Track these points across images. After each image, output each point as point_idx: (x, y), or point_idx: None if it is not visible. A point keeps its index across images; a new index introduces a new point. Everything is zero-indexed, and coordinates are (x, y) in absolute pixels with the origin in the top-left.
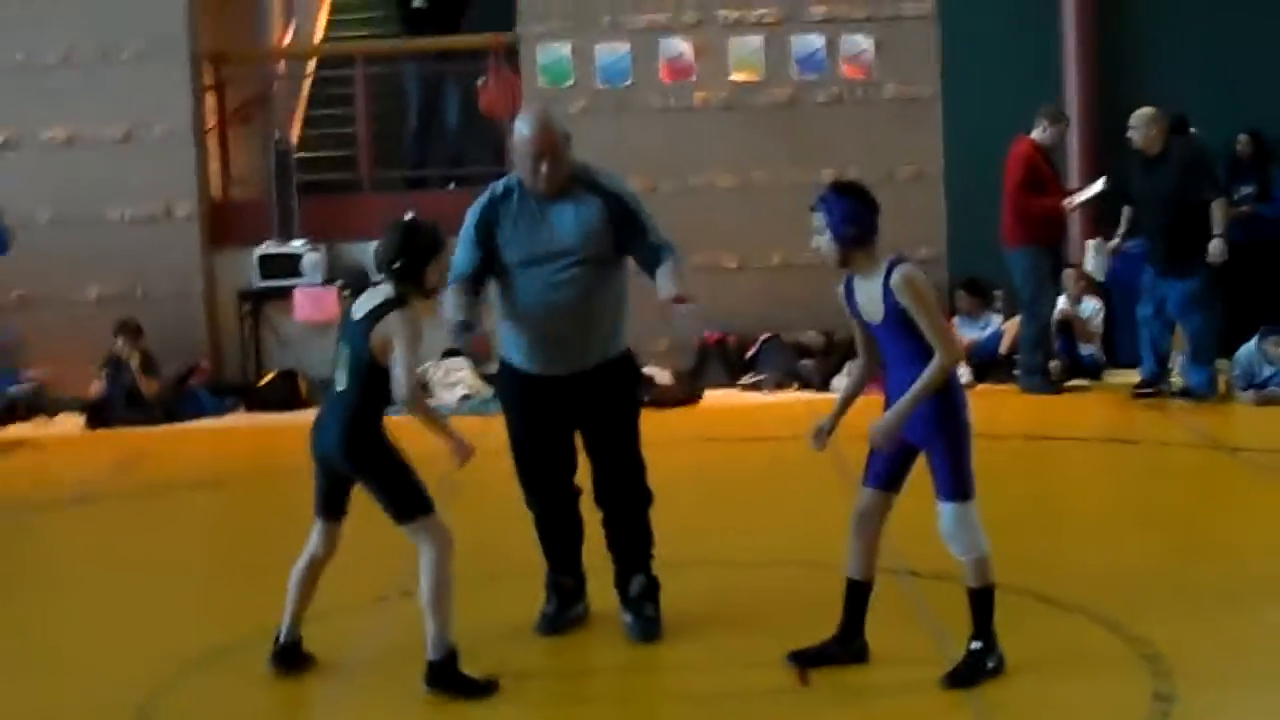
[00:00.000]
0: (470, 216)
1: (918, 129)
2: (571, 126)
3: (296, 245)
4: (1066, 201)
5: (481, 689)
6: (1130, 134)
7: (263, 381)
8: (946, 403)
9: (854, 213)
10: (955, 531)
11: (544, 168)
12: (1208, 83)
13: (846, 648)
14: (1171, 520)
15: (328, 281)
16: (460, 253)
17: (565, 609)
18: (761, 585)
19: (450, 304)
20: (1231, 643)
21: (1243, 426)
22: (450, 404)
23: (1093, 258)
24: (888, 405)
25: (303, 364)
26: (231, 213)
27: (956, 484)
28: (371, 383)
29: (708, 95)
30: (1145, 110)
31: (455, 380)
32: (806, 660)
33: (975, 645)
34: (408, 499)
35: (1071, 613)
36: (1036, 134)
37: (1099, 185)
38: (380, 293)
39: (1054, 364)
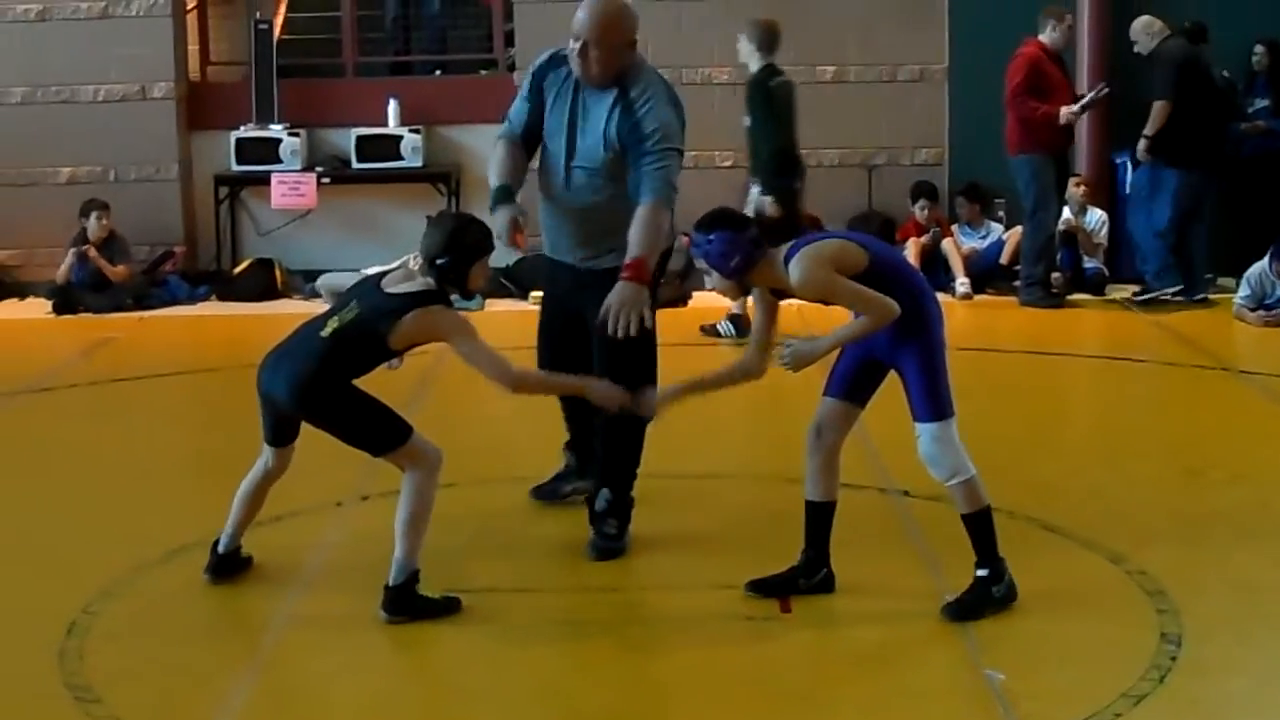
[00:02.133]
0: (529, 69)
1: (923, 26)
2: (565, 14)
3: (275, 129)
4: (1065, 110)
5: (442, 609)
6: (1135, 47)
7: (238, 270)
8: (915, 318)
9: (730, 244)
10: (935, 454)
11: (582, 59)
12: None
13: (810, 578)
14: (1179, 445)
15: (306, 168)
16: (515, 105)
17: (558, 480)
18: (746, 501)
19: (492, 164)
20: (1243, 580)
21: (1251, 348)
22: None
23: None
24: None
25: (280, 253)
26: (210, 94)
27: (932, 404)
28: (360, 351)
29: None
30: (1142, 18)
31: None
32: (767, 590)
33: (980, 573)
34: (377, 436)
35: (1073, 542)
36: (1044, 36)
37: (1099, 90)
38: (419, 280)
39: (1056, 276)
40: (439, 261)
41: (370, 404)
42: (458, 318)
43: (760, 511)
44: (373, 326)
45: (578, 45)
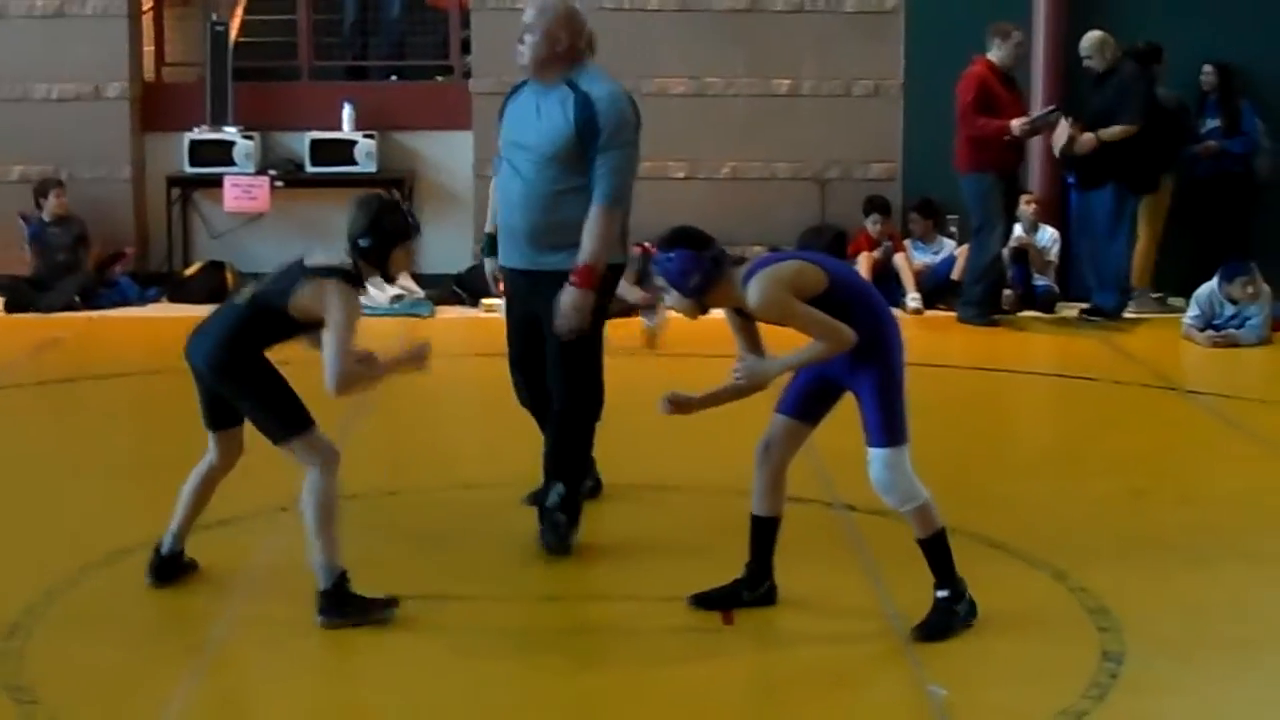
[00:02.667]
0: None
1: (879, 41)
2: (516, 22)
3: (229, 132)
4: (1016, 122)
5: (379, 606)
6: (1086, 61)
7: (189, 272)
8: (874, 342)
9: (689, 262)
10: (886, 481)
11: (520, 45)
12: (1174, 10)
13: (754, 591)
14: (1124, 463)
15: (260, 171)
16: None
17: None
18: (694, 512)
19: (491, 205)
20: (1185, 600)
21: (1199, 368)
22: (383, 304)
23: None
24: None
25: (231, 256)
26: (164, 95)
27: (886, 430)
28: (268, 319)
29: None
30: (1096, 34)
31: None
32: (710, 603)
33: (941, 594)
34: (279, 418)
35: (1017, 559)
36: (992, 54)
37: (1050, 112)
38: (338, 255)
39: (1007, 294)
40: (360, 242)
41: (278, 385)
42: (346, 300)
43: (708, 523)
44: (278, 292)
45: (521, 33)
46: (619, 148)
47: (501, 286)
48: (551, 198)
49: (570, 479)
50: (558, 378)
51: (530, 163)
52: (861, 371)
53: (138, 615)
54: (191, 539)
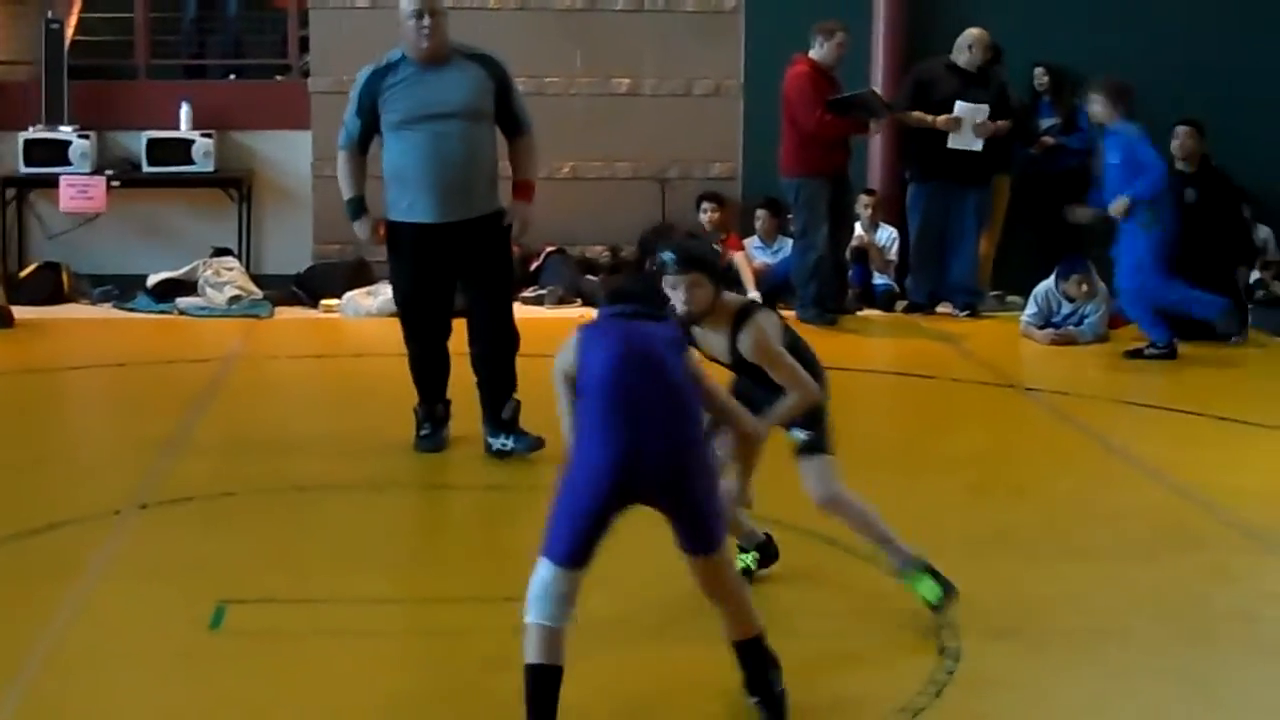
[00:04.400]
0: (357, 84)
1: (718, 41)
2: (361, 22)
3: (65, 131)
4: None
5: None
6: (966, 53)
7: (24, 273)
8: (585, 436)
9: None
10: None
11: (427, 24)
12: (1004, 11)
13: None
14: (962, 460)
15: (96, 171)
16: (349, 119)
17: (439, 430)
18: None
19: (342, 176)
20: (1022, 596)
21: (1037, 365)
22: (220, 304)
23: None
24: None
25: (68, 256)
26: None
27: (546, 534)
28: None
29: None
30: (979, 31)
31: (225, 280)
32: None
33: None
34: None
35: (854, 556)
36: (814, 52)
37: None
38: None
39: (851, 292)
40: None
41: None
42: None
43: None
44: None
45: (418, 17)
46: (520, 94)
47: (383, 234)
48: (483, 152)
49: (511, 394)
50: (497, 310)
51: (463, 124)
52: None
53: None
54: (23, 543)
